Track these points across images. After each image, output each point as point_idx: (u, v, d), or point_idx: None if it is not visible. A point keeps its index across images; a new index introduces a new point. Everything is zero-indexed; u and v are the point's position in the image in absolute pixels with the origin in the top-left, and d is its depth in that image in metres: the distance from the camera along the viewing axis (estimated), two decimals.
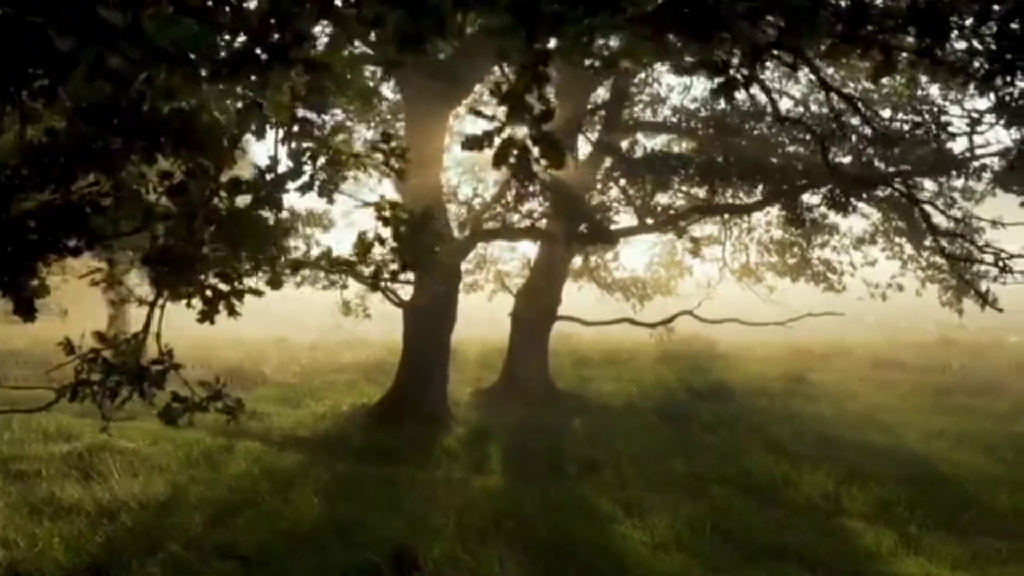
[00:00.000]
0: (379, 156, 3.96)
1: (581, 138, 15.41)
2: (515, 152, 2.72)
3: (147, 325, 5.02)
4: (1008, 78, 3.50)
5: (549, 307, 15.28)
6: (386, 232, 4.18)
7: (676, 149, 15.79)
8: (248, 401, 14.70)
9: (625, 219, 15.01)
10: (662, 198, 12.76)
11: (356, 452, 11.19)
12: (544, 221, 13.42)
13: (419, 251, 3.87)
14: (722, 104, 14.21)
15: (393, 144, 3.94)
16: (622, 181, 12.53)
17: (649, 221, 12.47)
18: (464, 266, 20.12)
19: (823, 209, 11.86)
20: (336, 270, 4.39)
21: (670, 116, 16.26)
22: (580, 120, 15.05)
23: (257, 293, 3.96)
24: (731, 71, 2.89)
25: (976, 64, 4.24)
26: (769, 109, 12.21)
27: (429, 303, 12.81)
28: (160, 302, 4.24)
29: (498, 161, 2.81)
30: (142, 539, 7.07)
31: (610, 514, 8.11)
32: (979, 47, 3.51)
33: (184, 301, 3.99)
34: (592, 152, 14.21)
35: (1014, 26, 3.31)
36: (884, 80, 14.31)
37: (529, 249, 17.59)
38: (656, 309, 18.95)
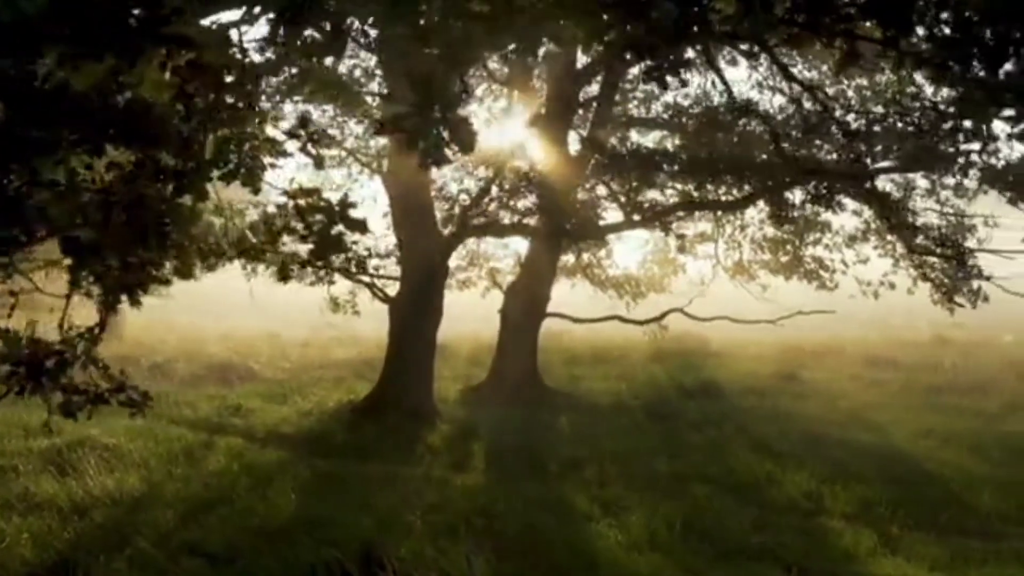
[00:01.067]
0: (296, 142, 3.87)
1: (572, 134, 15.34)
2: (428, 137, 2.64)
3: (103, 319, 4.94)
4: (963, 67, 3.42)
5: (538, 304, 15.20)
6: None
7: (668, 145, 15.70)
8: (233, 397, 14.70)
9: (613, 215, 14.98)
10: (649, 194, 12.65)
11: (339, 449, 11.12)
12: (531, 217, 13.33)
13: (330, 241, 3.76)
14: (717, 99, 14.14)
15: (312, 129, 3.84)
16: (607, 177, 12.42)
17: (636, 217, 12.38)
18: (456, 263, 20.11)
19: (814, 206, 11.74)
20: (244, 258, 4.28)
21: (662, 112, 16.18)
22: (570, 115, 14.97)
23: (164, 282, 3.87)
24: (659, 54, 2.80)
25: (944, 55, 4.15)
26: (757, 104, 12.10)
27: (415, 299, 12.73)
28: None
29: (410, 146, 2.73)
30: (112, 536, 7.01)
31: (587, 513, 8.04)
32: (938, 35, 3.42)
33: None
34: (581, 148, 14.11)
35: (969, 13, 3.23)
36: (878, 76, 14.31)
37: (521, 246, 17.50)
38: (650, 307, 18.86)
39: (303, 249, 5.03)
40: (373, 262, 13.33)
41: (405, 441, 11.31)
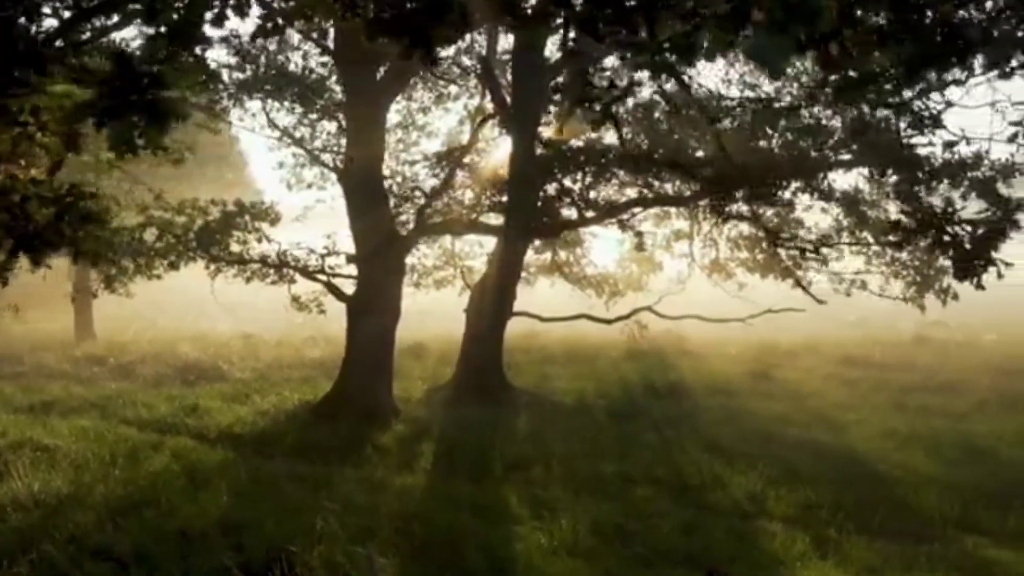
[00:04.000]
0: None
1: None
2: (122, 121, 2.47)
3: None
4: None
5: (504, 303, 15.01)
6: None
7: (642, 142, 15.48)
8: (193, 397, 14.56)
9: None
10: (604, 191, 12.46)
11: (288, 450, 10.98)
12: (489, 215, 13.16)
13: (45, 237, 3.58)
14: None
15: (45, 118, 3.65)
16: (559, 173, 12.23)
17: (589, 214, 12.18)
18: (432, 262, 20.00)
19: (755, 202, 11.56)
20: None
21: (631, 110, 15.98)
22: (537, 111, 14.78)
23: None
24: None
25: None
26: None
27: (371, 298, 12.57)
28: None
29: (98, 125, 2.57)
30: (23, 539, 6.88)
31: (517, 515, 7.88)
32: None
33: None
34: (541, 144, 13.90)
35: None
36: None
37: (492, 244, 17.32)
38: (630, 306, 18.67)
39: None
40: (330, 260, 13.23)
41: (356, 441, 11.15)
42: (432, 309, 23.00)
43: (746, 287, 18.83)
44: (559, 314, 16.93)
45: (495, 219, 15.00)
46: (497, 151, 15.60)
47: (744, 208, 11.84)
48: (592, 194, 12.11)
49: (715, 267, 19.25)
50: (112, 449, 10.35)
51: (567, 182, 11.94)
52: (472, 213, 12.90)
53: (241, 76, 14.53)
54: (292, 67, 14.13)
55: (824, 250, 13.37)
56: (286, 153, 18.54)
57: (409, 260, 20.14)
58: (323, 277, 12.96)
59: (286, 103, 13.76)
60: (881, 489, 9.15)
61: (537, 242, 19.58)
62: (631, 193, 12.35)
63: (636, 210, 13.15)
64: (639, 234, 13.04)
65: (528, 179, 13.39)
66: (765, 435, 11.62)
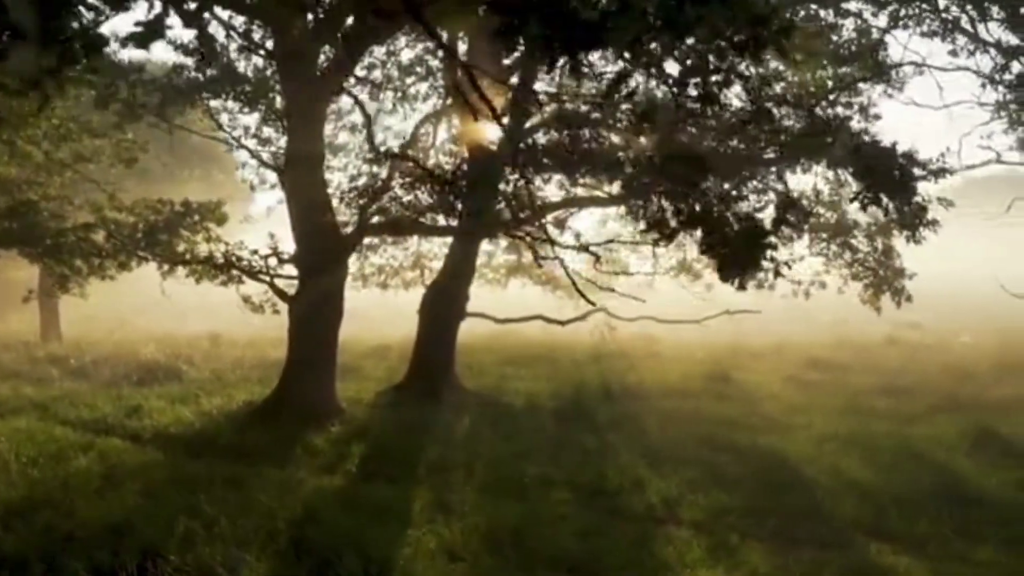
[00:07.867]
0: None
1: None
2: None
3: None
4: None
5: (457, 303, 14.94)
6: None
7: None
8: (139, 397, 14.48)
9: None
10: (537, 189, 12.36)
11: (219, 451, 10.88)
12: (435, 214, 13.07)
13: None
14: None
15: None
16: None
17: (523, 214, 12.09)
18: (396, 263, 19.98)
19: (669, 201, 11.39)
20: None
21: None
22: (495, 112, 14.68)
23: None
24: None
25: None
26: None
27: (314, 299, 12.50)
28: None
29: None
30: None
31: (417, 518, 7.78)
32: None
33: None
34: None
35: None
36: None
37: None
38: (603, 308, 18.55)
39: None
40: (274, 261, 13.18)
41: (288, 443, 11.06)
42: (406, 310, 22.97)
43: (713, 288, 18.73)
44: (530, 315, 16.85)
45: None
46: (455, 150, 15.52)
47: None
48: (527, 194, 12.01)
49: (682, 268, 19.20)
50: (41, 450, 10.31)
51: (500, 184, 11.86)
52: (418, 213, 12.81)
53: (195, 77, 14.53)
54: (240, 67, 14.11)
55: None
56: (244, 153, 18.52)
57: (378, 261, 20.22)
58: (266, 277, 12.90)
59: (232, 103, 13.72)
60: (801, 494, 9.00)
61: (503, 242, 19.59)
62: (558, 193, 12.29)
63: (573, 210, 13.04)
64: (578, 235, 12.97)
65: (481, 179, 13.32)
66: (704, 438, 11.48)
